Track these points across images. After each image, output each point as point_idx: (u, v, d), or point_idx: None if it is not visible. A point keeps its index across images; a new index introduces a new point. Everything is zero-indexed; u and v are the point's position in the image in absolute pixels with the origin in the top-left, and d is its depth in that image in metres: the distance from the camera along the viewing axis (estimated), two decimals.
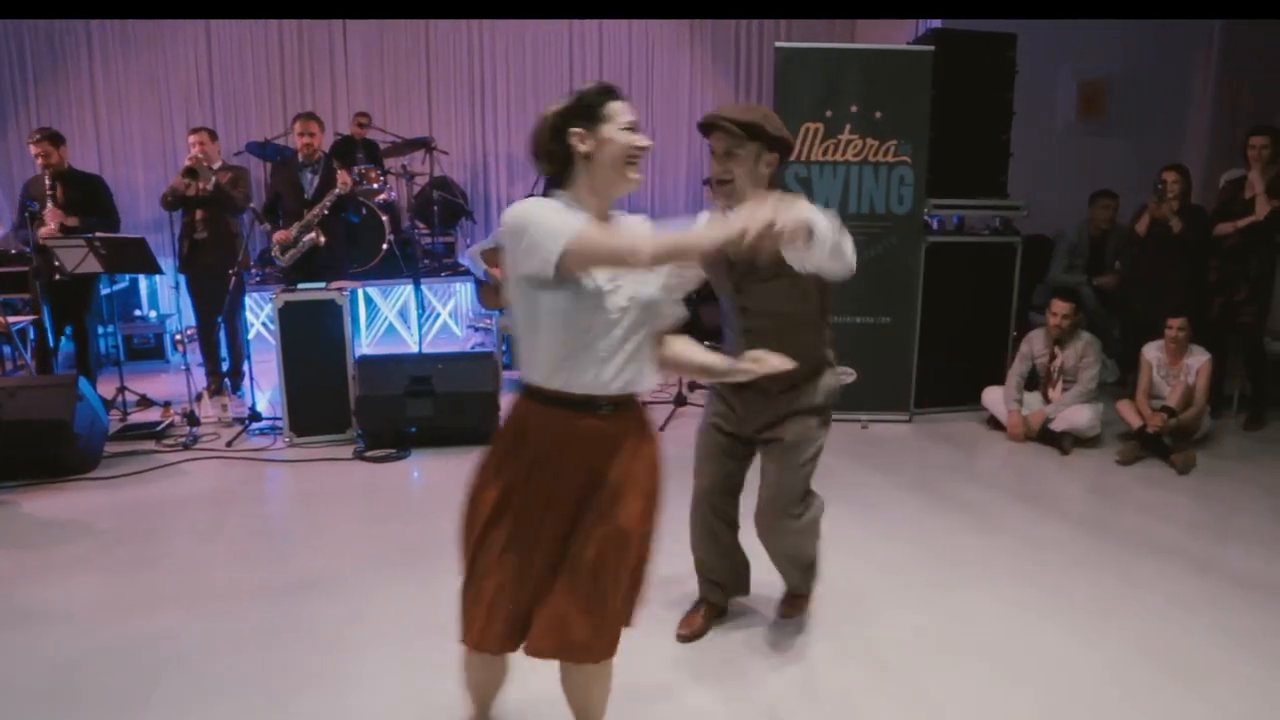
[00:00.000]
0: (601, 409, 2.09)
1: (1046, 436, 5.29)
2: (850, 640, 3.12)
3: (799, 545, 3.08)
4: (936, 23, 7.39)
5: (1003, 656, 3.00)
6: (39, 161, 5.70)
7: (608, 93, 2.14)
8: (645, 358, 2.14)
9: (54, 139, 5.79)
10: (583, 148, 2.06)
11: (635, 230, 2.09)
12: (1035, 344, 5.47)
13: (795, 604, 3.28)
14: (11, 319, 6.40)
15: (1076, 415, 5.19)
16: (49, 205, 5.62)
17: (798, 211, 1.82)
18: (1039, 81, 7.10)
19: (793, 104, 5.57)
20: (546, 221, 1.97)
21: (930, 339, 5.80)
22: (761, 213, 1.77)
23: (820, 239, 2.28)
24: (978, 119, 5.85)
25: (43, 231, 5.59)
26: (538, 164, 2.13)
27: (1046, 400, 5.40)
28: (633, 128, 2.10)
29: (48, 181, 5.72)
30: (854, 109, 5.53)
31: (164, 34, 8.68)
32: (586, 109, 2.09)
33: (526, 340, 2.11)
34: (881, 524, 4.14)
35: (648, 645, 2.98)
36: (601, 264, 1.97)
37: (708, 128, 2.70)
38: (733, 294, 2.83)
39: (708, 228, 1.92)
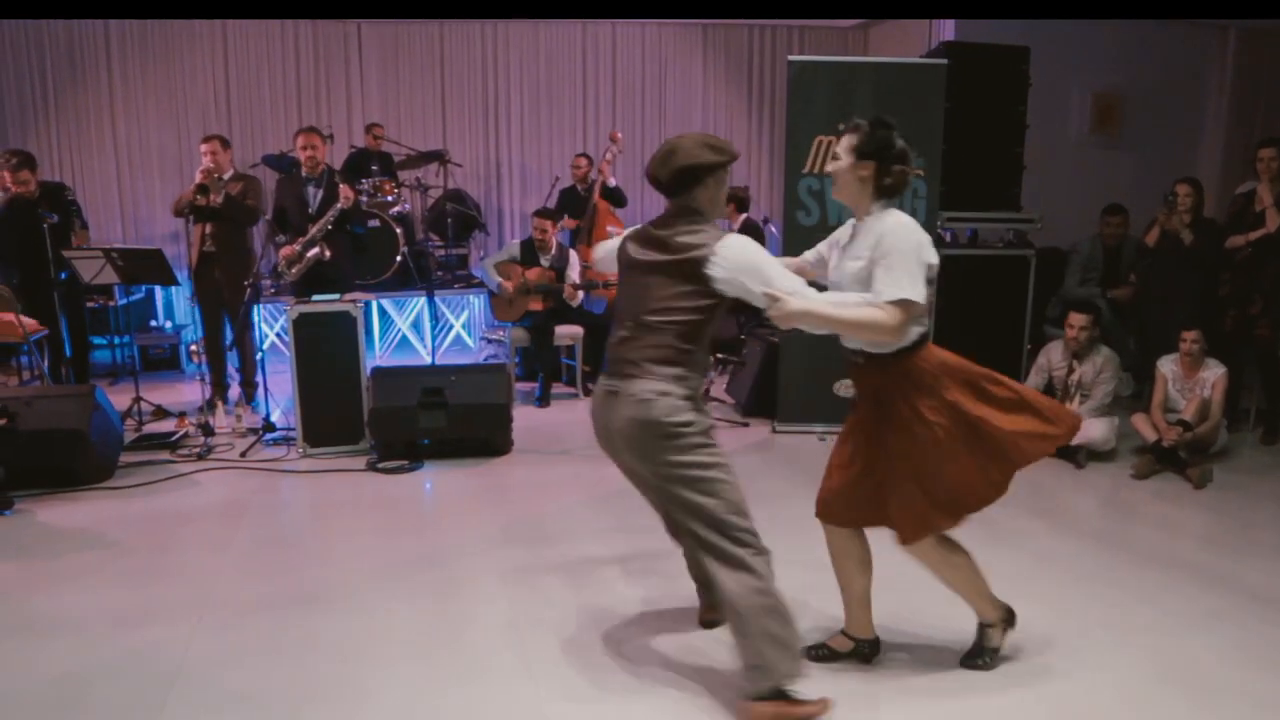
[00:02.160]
0: None
1: (1060, 450, 5.26)
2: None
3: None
4: (950, 35, 7.40)
5: (1011, 674, 2.98)
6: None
7: None
8: None
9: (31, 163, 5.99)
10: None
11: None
12: (1053, 356, 5.44)
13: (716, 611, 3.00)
14: (29, 325, 6.47)
15: (1091, 429, 5.16)
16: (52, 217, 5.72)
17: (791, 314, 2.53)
18: (1052, 94, 7.11)
19: (805, 116, 5.58)
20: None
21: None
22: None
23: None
24: (991, 132, 5.85)
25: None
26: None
27: None
28: None
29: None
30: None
31: (181, 44, 8.77)
32: None
33: None
34: (885, 537, 4.10)
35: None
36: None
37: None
38: None
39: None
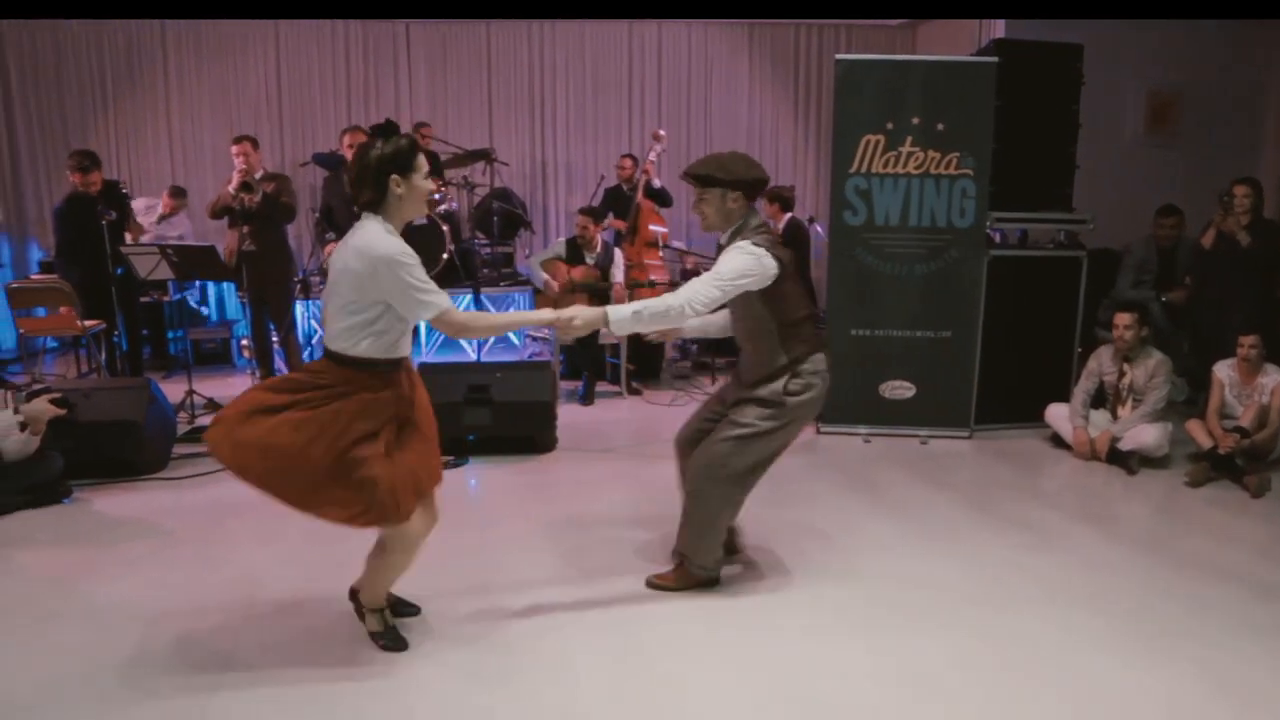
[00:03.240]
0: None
1: (1112, 456, 5.17)
2: (895, 656, 3.07)
3: (695, 511, 3.44)
4: (1001, 33, 7.30)
5: (1058, 682, 2.92)
6: (81, 186, 5.96)
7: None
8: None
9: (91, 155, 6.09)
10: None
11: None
12: (1103, 360, 5.35)
13: (667, 576, 3.56)
14: (89, 323, 6.63)
15: (1144, 434, 5.07)
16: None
17: (588, 321, 3.06)
18: (1106, 92, 6.97)
19: (853, 116, 5.54)
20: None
21: (992, 354, 5.71)
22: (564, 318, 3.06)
23: (617, 323, 3.09)
24: (1042, 131, 5.75)
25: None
26: None
27: (1115, 418, 5.28)
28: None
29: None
30: (915, 121, 5.48)
31: (235, 44, 8.94)
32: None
33: None
34: (936, 540, 4.08)
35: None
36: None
37: (683, 178, 3.42)
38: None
39: (537, 314, 3.27)
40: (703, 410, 3.65)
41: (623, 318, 3.08)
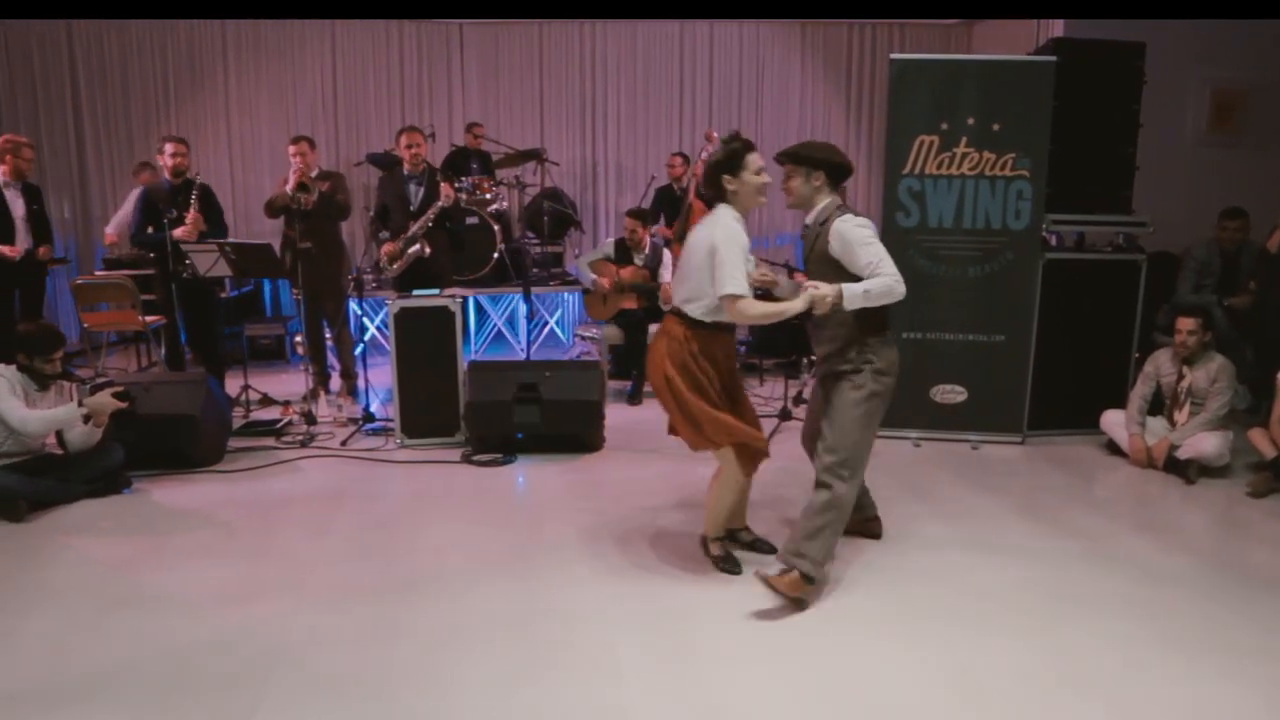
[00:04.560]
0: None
1: (1170, 464, 5.06)
2: (943, 662, 3.03)
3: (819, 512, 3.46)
4: (1059, 31, 7.17)
5: (1112, 696, 2.86)
6: (175, 162, 5.96)
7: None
8: None
9: (186, 143, 6.12)
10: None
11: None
12: (1162, 363, 5.23)
13: (776, 580, 3.41)
14: (150, 318, 6.79)
15: (1203, 443, 4.94)
16: (192, 210, 5.89)
17: (834, 291, 3.26)
18: (1168, 90, 6.82)
19: (907, 116, 5.47)
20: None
21: (1046, 359, 5.61)
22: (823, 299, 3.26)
23: (850, 299, 3.29)
24: (1101, 131, 5.63)
25: (178, 232, 5.85)
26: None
27: (1172, 424, 5.16)
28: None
29: (179, 184, 6.00)
30: (970, 121, 5.41)
31: (293, 44, 9.10)
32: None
33: None
34: (987, 548, 4.02)
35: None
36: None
37: (780, 159, 3.66)
38: None
39: (792, 304, 3.32)
40: (811, 403, 3.93)
41: (855, 294, 3.30)
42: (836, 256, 3.43)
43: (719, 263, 3.32)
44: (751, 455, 3.60)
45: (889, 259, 3.37)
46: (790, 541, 3.46)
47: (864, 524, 4.10)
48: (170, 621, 3.30)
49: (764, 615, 3.35)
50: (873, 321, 3.51)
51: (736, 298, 3.30)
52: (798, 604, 3.39)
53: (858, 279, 3.38)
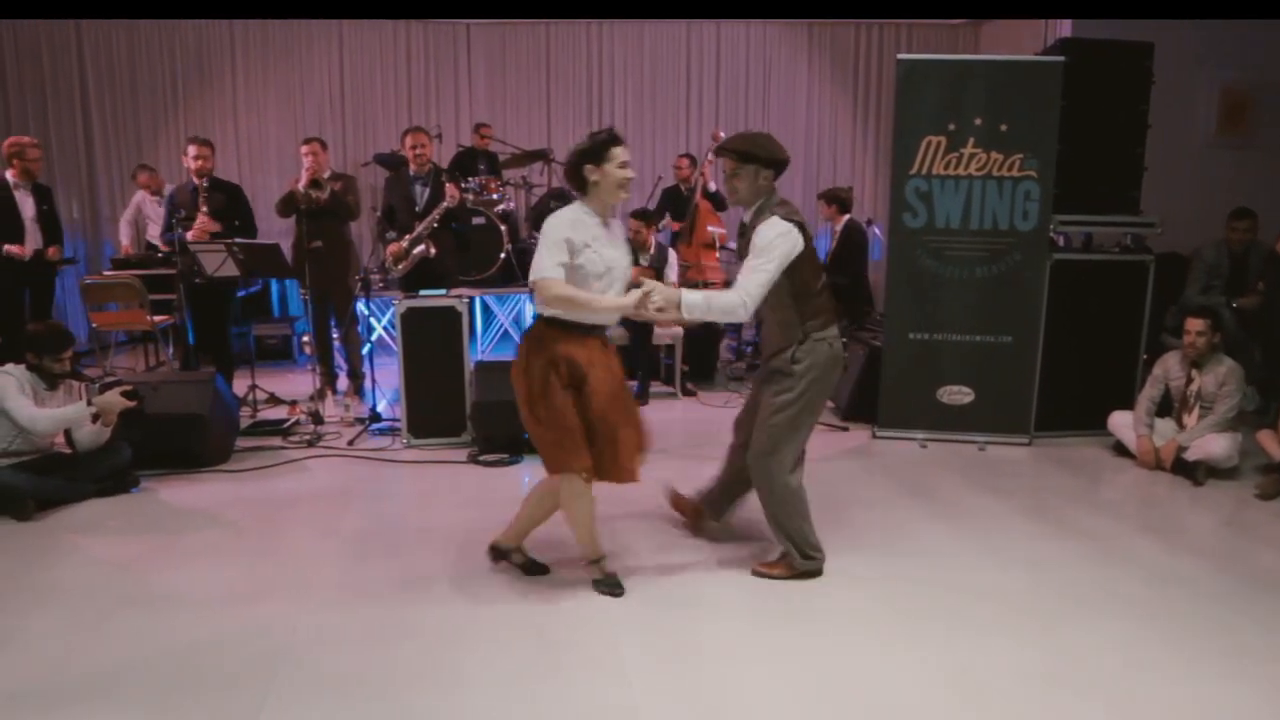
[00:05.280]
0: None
1: (1179, 466, 5.04)
2: (946, 663, 3.02)
3: (769, 506, 3.63)
4: (1067, 31, 7.15)
5: (1117, 699, 2.85)
6: (199, 165, 6.00)
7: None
8: None
9: (210, 145, 6.15)
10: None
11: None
12: (1170, 366, 5.21)
13: (769, 568, 3.69)
14: (158, 318, 6.81)
15: (1212, 444, 4.92)
16: (201, 212, 5.93)
17: (666, 297, 3.26)
18: (1176, 90, 6.80)
19: (914, 117, 5.47)
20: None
21: (1054, 360, 5.59)
22: (649, 299, 3.26)
23: (690, 308, 3.32)
24: (1109, 131, 5.61)
25: (189, 235, 5.89)
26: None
27: (1181, 427, 5.14)
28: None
29: (202, 185, 6.03)
30: (978, 121, 5.40)
31: (300, 45, 9.12)
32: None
33: None
34: (993, 549, 4.01)
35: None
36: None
37: (718, 153, 3.64)
38: None
39: (619, 300, 3.33)
40: (753, 391, 3.84)
41: (695, 302, 3.31)
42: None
43: (536, 251, 3.27)
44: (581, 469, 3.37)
45: (763, 282, 3.32)
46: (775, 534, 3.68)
47: (697, 515, 4.14)
48: (176, 620, 3.31)
49: (771, 617, 3.35)
50: (814, 320, 3.50)
51: (538, 281, 3.24)
52: (808, 575, 3.63)
53: (792, 277, 3.39)
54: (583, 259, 3.25)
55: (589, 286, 3.26)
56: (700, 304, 3.32)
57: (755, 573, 3.67)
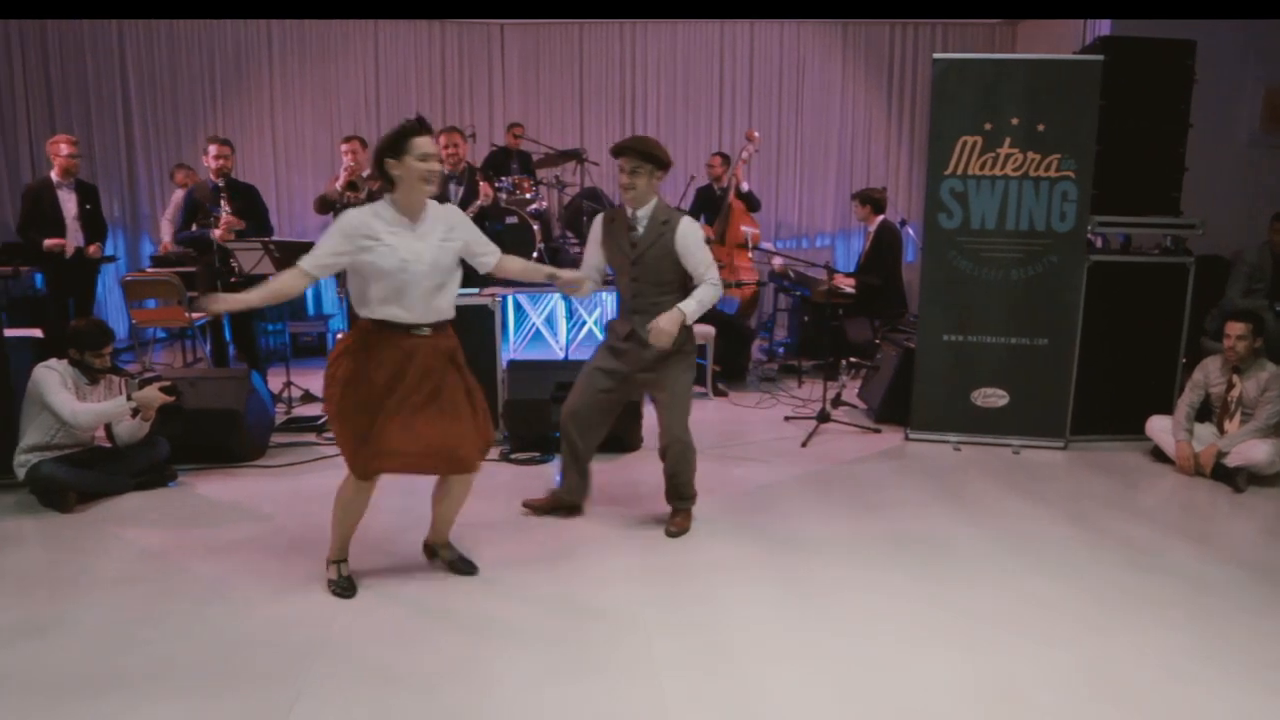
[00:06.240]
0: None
1: (1219, 472, 4.96)
2: (981, 670, 2.99)
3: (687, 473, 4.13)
4: (1106, 30, 7.06)
5: (1151, 708, 2.80)
6: (219, 164, 6.07)
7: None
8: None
9: (231, 144, 6.23)
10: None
11: None
12: (1211, 371, 5.13)
13: (679, 525, 4.15)
14: (195, 315, 6.90)
15: (1253, 450, 4.84)
16: (226, 211, 6.01)
17: (673, 321, 3.79)
18: (1218, 89, 6.69)
19: (950, 117, 5.42)
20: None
21: (1091, 363, 5.53)
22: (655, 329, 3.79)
23: (691, 316, 3.85)
24: (1149, 131, 5.53)
25: (215, 234, 5.96)
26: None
27: (1222, 433, 5.06)
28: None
29: (222, 185, 6.10)
30: (1015, 121, 5.34)
31: (336, 45, 9.21)
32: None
33: None
34: (1028, 555, 3.97)
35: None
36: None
37: (618, 152, 3.86)
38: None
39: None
40: (593, 381, 4.14)
41: (693, 311, 3.81)
42: (680, 253, 3.83)
43: None
44: (366, 469, 3.42)
45: (713, 263, 3.88)
46: (675, 495, 4.16)
47: (558, 503, 4.41)
48: (214, 613, 3.35)
49: (804, 619, 3.33)
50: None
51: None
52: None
53: (680, 272, 3.88)
54: (372, 255, 3.20)
55: (384, 281, 3.22)
56: (694, 309, 3.81)
57: (670, 534, 4.09)
